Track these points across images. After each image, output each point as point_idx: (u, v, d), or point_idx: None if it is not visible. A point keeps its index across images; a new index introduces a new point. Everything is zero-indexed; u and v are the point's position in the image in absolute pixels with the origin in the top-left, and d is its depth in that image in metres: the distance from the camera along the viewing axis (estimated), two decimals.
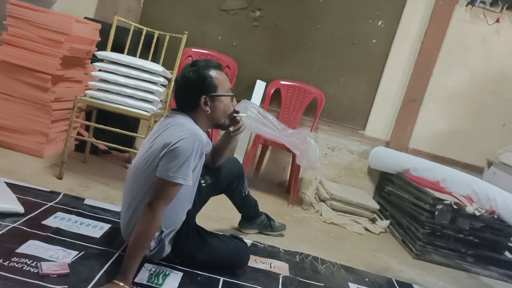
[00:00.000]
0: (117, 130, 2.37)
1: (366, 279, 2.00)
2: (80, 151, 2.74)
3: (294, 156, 2.85)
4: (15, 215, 1.72)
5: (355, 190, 3.18)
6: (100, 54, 2.35)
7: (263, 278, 1.75)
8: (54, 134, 2.58)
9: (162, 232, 1.53)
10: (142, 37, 2.64)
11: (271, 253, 2.02)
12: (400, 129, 3.31)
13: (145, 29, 2.66)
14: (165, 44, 2.66)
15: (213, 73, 1.54)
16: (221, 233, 1.91)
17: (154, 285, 1.49)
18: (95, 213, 1.94)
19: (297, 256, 2.04)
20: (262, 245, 2.07)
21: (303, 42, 3.23)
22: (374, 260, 2.30)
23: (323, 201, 2.91)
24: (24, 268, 1.39)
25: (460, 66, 3.28)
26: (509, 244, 2.69)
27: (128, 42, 2.61)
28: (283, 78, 3.23)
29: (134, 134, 2.60)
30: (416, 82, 3.26)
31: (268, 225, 2.22)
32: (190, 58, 2.97)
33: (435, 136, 3.36)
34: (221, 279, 1.64)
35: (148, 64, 2.34)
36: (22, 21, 2.42)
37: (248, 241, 2.04)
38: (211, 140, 1.84)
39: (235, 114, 1.65)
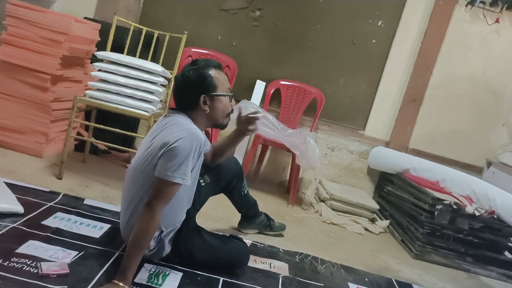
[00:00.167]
0: (117, 130, 2.37)
1: (366, 279, 2.01)
2: (80, 151, 2.74)
3: (294, 156, 2.85)
4: (14, 215, 1.71)
5: (354, 190, 3.18)
6: (100, 54, 2.34)
7: (262, 278, 1.75)
8: (53, 134, 2.58)
9: (161, 231, 1.53)
10: (142, 37, 2.64)
11: (271, 253, 2.02)
12: (400, 129, 3.32)
13: (144, 29, 2.66)
14: (165, 44, 2.66)
15: (213, 72, 1.54)
16: (220, 233, 1.91)
17: (153, 285, 1.49)
18: (94, 213, 1.94)
19: (296, 256, 2.04)
20: (261, 245, 2.07)
21: (303, 42, 3.23)
22: (373, 260, 2.30)
23: (323, 201, 2.91)
24: (23, 268, 1.39)
25: (460, 66, 3.28)
26: (509, 244, 2.69)
27: (128, 42, 2.60)
28: (283, 78, 3.23)
29: (134, 134, 2.60)
30: (416, 82, 3.26)
31: (267, 225, 2.22)
32: (190, 58, 2.97)
33: (434, 136, 3.36)
34: (221, 279, 1.64)
35: (147, 64, 2.34)
36: (21, 20, 2.42)
37: (248, 241, 2.04)
38: (210, 140, 1.85)
39: (254, 115, 1.67)
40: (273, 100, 3.22)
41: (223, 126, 1.65)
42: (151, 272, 1.56)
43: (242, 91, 3.16)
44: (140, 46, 2.63)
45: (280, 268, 1.88)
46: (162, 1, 3.18)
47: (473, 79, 3.30)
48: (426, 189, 2.62)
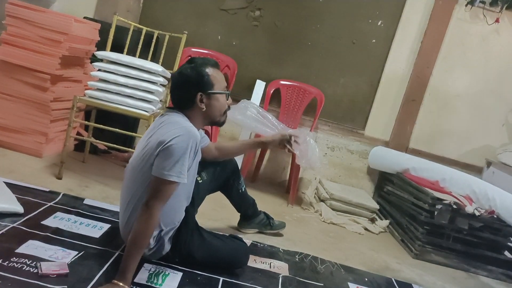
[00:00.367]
0: (117, 130, 2.36)
1: (366, 279, 2.00)
2: (80, 151, 2.74)
3: (293, 156, 2.84)
4: (14, 215, 1.71)
5: (354, 190, 3.18)
6: (100, 53, 2.34)
7: (262, 278, 1.75)
8: (53, 134, 2.58)
9: (161, 230, 1.53)
10: (142, 37, 2.64)
11: (271, 253, 2.02)
12: (399, 129, 3.32)
13: (144, 28, 2.65)
14: (165, 44, 2.65)
15: (210, 70, 1.55)
16: (220, 233, 1.91)
17: (153, 285, 1.49)
18: (94, 213, 1.94)
19: (296, 256, 2.04)
20: (261, 245, 2.07)
21: (303, 42, 3.23)
22: (373, 260, 2.30)
23: (322, 201, 2.91)
24: (23, 268, 1.38)
25: (459, 66, 3.28)
26: (509, 243, 2.69)
27: (128, 42, 2.60)
28: (282, 78, 3.23)
29: (134, 134, 2.60)
30: (416, 82, 3.26)
31: (267, 224, 2.22)
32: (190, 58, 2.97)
33: (434, 136, 3.36)
34: (221, 279, 1.64)
35: (147, 64, 2.34)
36: (21, 20, 2.42)
37: (248, 241, 2.04)
38: (210, 139, 1.85)
39: (294, 140, 1.93)
40: (273, 100, 3.22)
41: (220, 124, 1.66)
42: (151, 272, 1.56)
43: (242, 91, 3.17)
44: (140, 46, 2.62)
45: (280, 268, 1.88)
46: (162, 1, 3.18)
47: (472, 79, 3.30)
48: (426, 189, 2.62)
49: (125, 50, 2.58)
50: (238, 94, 3.14)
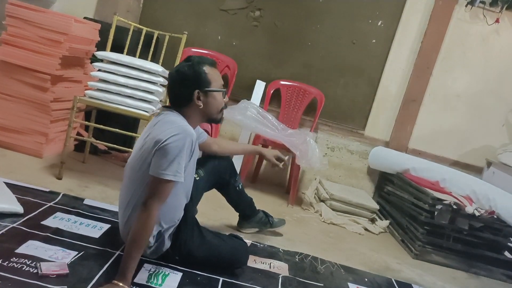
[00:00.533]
0: (117, 130, 2.36)
1: (366, 279, 2.00)
2: (80, 151, 2.74)
3: (294, 156, 2.84)
4: (14, 215, 1.71)
5: (354, 190, 3.17)
6: (100, 54, 2.34)
7: (262, 278, 1.75)
8: (53, 134, 2.58)
9: (161, 229, 1.54)
10: (142, 37, 2.64)
11: (271, 253, 2.02)
12: (399, 129, 3.32)
13: (144, 29, 2.66)
14: (165, 44, 2.66)
15: (207, 69, 1.56)
16: (220, 232, 1.91)
17: (153, 285, 1.49)
18: (94, 213, 1.94)
19: (296, 256, 2.04)
20: (261, 245, 2.07)
21: (303, 42, 3.23)
22: (373, 260, 2.30)
23: (322, 201, 2.91)
24: (23, 269, 1.39)
25: (459, 66, 3.28)
26: (509, 244, 2.69)
27: (128, 42, 2.60)
28: (282, 78, 3.23)
29: (134, 134, 2.60)
30: (416, 82, 3.26)
31: (267, 222, 2.22)
32: None
33: (434, 136, 3.36)
34: (221, 279, 1.64)
35: (147, 64, 2.34)
36: (21, 21, 2.42)
37: (248, 241, 2.04)
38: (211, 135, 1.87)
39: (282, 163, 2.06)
40: (273, 100, 3.22)
41: (217, 121, 1.67)
42: (151, 272, 1.56)
43: (242, 91, 3.17)
44: (140, 46, 2.62)
45: (280, 268, 1.88)
46: (162, 1, 3.18)
47: (472, 79, 3.30)
48: (426, 189, 2.62)
49: (125, 50, 2.58)
50: (238, 94, 3.14)
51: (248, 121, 2.79)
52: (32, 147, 2.50)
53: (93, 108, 2.53)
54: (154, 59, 2.69)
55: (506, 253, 2.70)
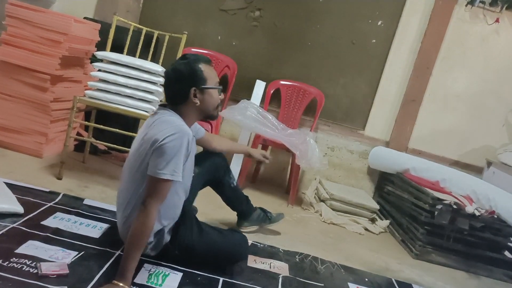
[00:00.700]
0: (117, 130, 2.36)
1: (366, 279, 2.00)
2: (80, 151, 2.74)
3: (293, 156, 2.84)
4: (14, 215, 1.71)
5: (354, 190, 3.17)
6: (100, 54, 2.34)
7: (262, 278, 1.75)
8: (53, 134, 2.58)
9: (162, 226, 1.56)
10: (142, 37, 2.64)
11: (271, 253, 2.02)
12: (399, 129, 3.31)
13: (144, 29, 2.65)
14: (165, 44, 2.65)
15: (202, 66, 1.57)
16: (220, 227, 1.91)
17: (153, 285, 1.49)
18: (94, 213, 1.94)
19: (296, 256, 2.04)
20: (261, 245, 2.07)
21: (302, 42, 3.23)
22: (373, 260, 2.30)
23: (322, 201, 2.91)
24: (23, 269, 1.38)
25: (459, 66, 3.28)
26: (509, 244, 2.69)
27: (128, 42, 2.60)
28: (282, 78, 3.23)
29: (134, 134, 2.57)
30: (416, 82, 3.26)
31: (266, 218, 2.22)
32: None
33: (434, 136, 3.36)
34: (221, 279, 1.64)
35: (147, 64, 2.34)
36: (21, 21, 2.42)
37: (248, 240, 2.03)
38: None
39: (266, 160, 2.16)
40: (273, 100, 3.21)
41: (213, 118, 1.68)
42: (151, 272, 1.56)
43: (242, 91, 3.17)
44: (139, 46, 2.62)
45: (280, 268, 1.88)
46: (162, 1, 3.18)
47: (472, 79, 3.30)
48: (426, 189, 2.62)
49: (125, 50, 2.58)
50: (238, 94, 3.14)
51: (248, 121, 2.79)
52: (32, 147, 2.50)
53: (93, 108, 2.53)
54: (154, 59, 2.69)
55: (506, 253, 2.70)
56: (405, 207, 2.78)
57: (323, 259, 2.08)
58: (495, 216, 2.52)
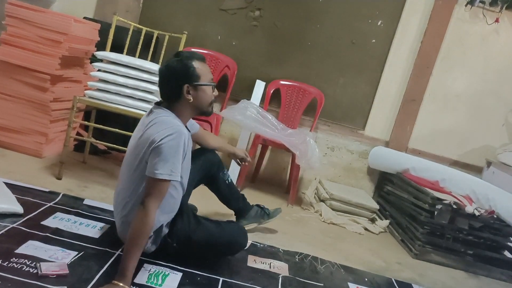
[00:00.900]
0: (116, 130, 2.36)
1: (366, 279, 2.00)
2: (79, 151, 2.74)
3: (293, 156, 2.84)
4: (14, 215, 1.72)
5: (354, 190, 3.18)
6: (99, 54, 2.34)
7: (262, 278, 1.75)
8: (53, 134, 2.58)
9: (162, 225, 1.57)
10: (142, 37, 2.64)
11: (271, 253, 2.02)
12: (399, 129, 3.32)
13: (144, 29, 2.65)
14: (165, 44, 2.65)
15: (196, 63, 1.58)
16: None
17: (153, 285, 1.49)
18: (94, 213, 1.94)
19: (296, 256, 2.04)
20: (261, 245, 2.07)
21: (302, 42, 3.23)
22: (373, 260, 2.30)
23: (322, 201, 2.91)
24: (23, 269, 1.39)
25: (459, 66, 3.28)
26: (508, 243, 2.69)
27: (127, 42, 2.60)
28: (282, 78, 3.23)
29: None
30: (416, 82, 3.26)
31: (263, 214, 2.22)
32: None
33: (434, 136, 3.36)
34: (221, 279, 1.64)
35: (147, 64, 2.34)
36: (21, 21, 2.42)
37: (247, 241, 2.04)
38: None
39: (241, 162, 2.15)
40: (273, 100, 3.21)
41: (208, 114, 1.69)
42: (150, 272, 1.56)
43: (242, 91, 3.17)
44: (139, 46, 2.62)
45: (280, 268, 1.88)
46: (162, 1, 3.18)
47: (472, 79, 3.30)
48: (426, 189, 2.62)
49: (125, 50, 2.58)
50: (238, 94, 3.14)
51: (248, 121, 2.79)
52: (32, 147, 2.50)
53: (92, 108, 2.53)
54: (154, 59, 2.69)
55: (506, 253, 2.70)
56: (405, 207, 2.78)
57: (323, 259, 2.08)
58: (495, 216, 2.52)
